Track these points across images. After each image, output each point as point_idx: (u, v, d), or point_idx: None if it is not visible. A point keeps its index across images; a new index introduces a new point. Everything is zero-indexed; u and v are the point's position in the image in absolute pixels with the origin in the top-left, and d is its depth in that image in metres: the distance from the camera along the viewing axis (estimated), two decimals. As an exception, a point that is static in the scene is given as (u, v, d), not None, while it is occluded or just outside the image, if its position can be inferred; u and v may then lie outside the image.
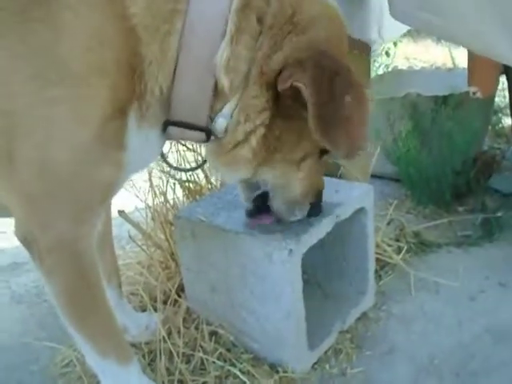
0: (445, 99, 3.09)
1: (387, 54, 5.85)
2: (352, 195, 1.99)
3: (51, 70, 1.27)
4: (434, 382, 1.83)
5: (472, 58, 3.09)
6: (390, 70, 5.44)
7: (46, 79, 1.27)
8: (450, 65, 4.95)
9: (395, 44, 5.90)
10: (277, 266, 1.74)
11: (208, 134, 1.49)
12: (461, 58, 4.39)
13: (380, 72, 5.43)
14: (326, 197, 1.89)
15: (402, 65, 6.25)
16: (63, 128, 1.32)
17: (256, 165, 1.57)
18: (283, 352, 1.88)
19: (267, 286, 1.80)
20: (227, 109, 1.46)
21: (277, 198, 1.72)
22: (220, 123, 1.47)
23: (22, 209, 1.43)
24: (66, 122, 1.31)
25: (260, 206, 1.76)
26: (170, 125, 1.47)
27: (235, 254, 1.85)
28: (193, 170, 2.16)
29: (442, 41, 6.81)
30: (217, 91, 1.43)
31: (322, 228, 1.82)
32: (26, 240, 1.46)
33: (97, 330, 1.58)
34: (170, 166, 1.83)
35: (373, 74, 5.20)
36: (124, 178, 1.52)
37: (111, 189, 1.50)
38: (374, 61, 5.80)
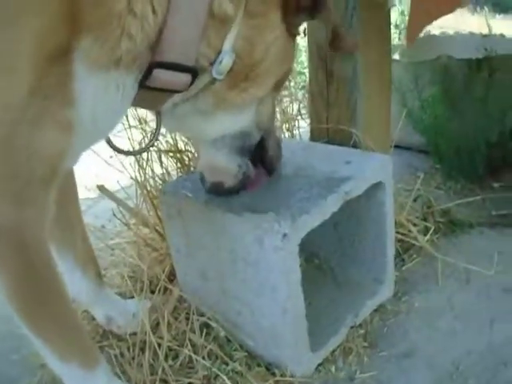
0: (479, 63, 2.82)
1: (420, 19, 5.60)
2: (366, 168, 1.70)
3: None
4: (458, 392, 1.56)
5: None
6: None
7: None
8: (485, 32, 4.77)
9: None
10: (269, 253, 1.48)
11: (194, 76, 1.26)
12: (497, 26, 4.17)
13: (411, 38, 5.21)
14: (334, 169, 1.66)
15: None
16: None
17: (259, 103, 1.44)
18: (281, 352, 1.64)
19: (260, 275, 1.55)
20: (228, 43, 1.26)
21: (271, 141, 1.59)
22: (226, 62, 1.28)
23: None
24: None
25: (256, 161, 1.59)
26: (158, 67, 1.20)
27: (224, 236, 1.61)
28: (141, 151, 1.87)
29: (479, 10, 6.61)
30: (212, 22, 1.22)
31: (327, 208, 1.54)
32: None
33: (55, 330, 1.35)
34: (114, 148, 1.52)
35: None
36: (77, 146, 1.23)
37: (58, 159, 1.20)
38: (405, 27, 5.60)
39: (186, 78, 1.26)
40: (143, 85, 1.24)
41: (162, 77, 1.22)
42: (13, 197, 1.16)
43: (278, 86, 1.51)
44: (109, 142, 1.48)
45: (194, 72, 1.26)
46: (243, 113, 1.44)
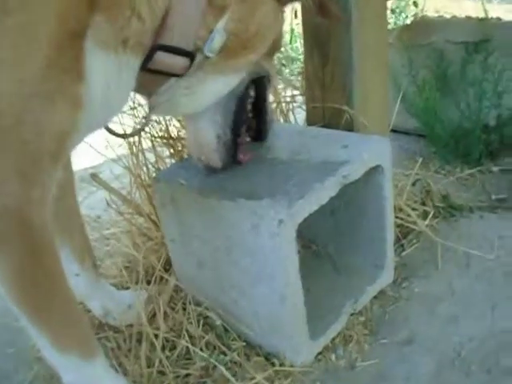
0: (476, 47, 2.78)
1: (415, 3, 5.65)
2: (364, 151, 1.65)
3: None
4: (459, 378, 1.53)
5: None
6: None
7: None
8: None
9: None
10: (265, 240, 1.45)
11: (192, 59, 1.34)
12: (494, 12, 4.16)
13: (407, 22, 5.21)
14: (331, 153, 1.61)
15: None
16: (5, 51, 1.07)
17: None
18: (279, 341, 1.61)
19: (257, 263, 1.52)
20: (220, 24, 1.34)
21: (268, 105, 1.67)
22: (217, 41, 1.35)
23: None
24: (7, 41, 1.07)
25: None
26: (159, 50, 1.27)
27: (219, 224, 1.58)
28: (135, 134, 1.83)
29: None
30: (211, 8, 1.31)
31: (324, 192, 1.50)
32: None
33: (54, 317, 1.31)
34: (110, 131, 1.55)
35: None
36: (85, 124, 1.23)
37: (67, 136, 1.20)
38: (401, 12, 5.57)
39: (184, 61, 1.33)
40: (144, 67, 1.29)
41: (163, 59, 1.29)
42: (20, 175, 1.15)
43: (274, 48, 1.57)
44: (105, 126, 1.49)
45: (192, 56, 1.32)
46: (236, 75, 1.49)
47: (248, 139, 1.66)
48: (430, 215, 2.21)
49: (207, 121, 1.55)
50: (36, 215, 1.19)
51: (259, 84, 1.60)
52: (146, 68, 1.30)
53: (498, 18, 3.21)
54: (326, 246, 2.00)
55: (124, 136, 1.66)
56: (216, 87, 1.48)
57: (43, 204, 1.21)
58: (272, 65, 1.64)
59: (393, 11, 5.64)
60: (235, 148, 1.60)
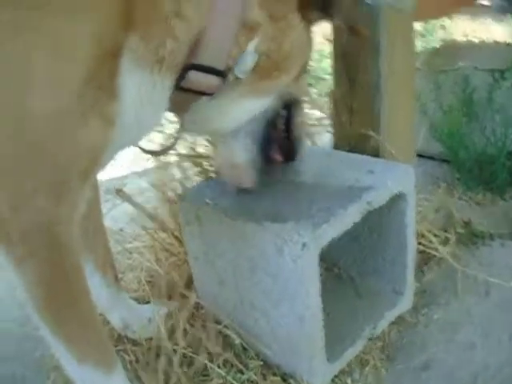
0: (503, 74, 2.78)
1: (443, 27, 5.64)
2: (389, 178, 1.67)
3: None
4: (475, 407, 1.53)
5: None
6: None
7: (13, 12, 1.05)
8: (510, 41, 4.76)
9: (451, 19, 5.66)
10: (288, 262, 1.46)
11: (224, 79, 1.36)
12: None
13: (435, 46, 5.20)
14: (357, 178, 1.64)
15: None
16: (41, 70, 1.08)
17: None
18: (297, 362, 1.61)
19: (279, 284, 1.53)
20: (252, 45, 1.36)
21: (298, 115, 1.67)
22: (249, 62, 1.37)
23: None
24: (46, 60, 1.08)
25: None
26: (192, 69, 1.29)
27: (243, 244, 1.59)
28: (165, 151, 1.85)
29: (504, 19, 6.58)
30: (243, 29, 1.33)
31: (348, 217, 1.52)
32: None
33: (75, 329, 1.32)
34: (139, 147, 1.57)
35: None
36: (116, 142, 1.25)
37: (99, 153, 1.22)
38: (429, 35, 5.60)
39: (216, 80, 1.34)
40: (177, 86, 1.31)
41: (196, 79, 1.30)
42: (50, 191, 1.16)
43: (303, 69, 1.58)
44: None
45: (224, 75, 1.34)
46: (267, 97, 1.51)
47: (279, 159, 1.66)
48: (452, 242, 2.21)
49: (239, 141, 1.57)
50: (64, 232, 1.20)
51: (289, 105, 1.61)
52: (178, 87, 1.32)
53: (526, 43, 3.21)
54: (348, 269, 2.00)
55: (154, 153, 1.68)
56: (248, 108, 1.49)
57: (71, 221, 1.22)
58: (301, 86, 1.65)
59: (421, 34, 5.63)
60: (267, 168, 1.61)
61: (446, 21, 5.66)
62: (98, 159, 1.23)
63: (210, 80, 1.35)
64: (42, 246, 1.19)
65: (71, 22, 1.09)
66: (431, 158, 3.03)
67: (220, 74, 1.35)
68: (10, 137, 1.10)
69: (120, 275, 1.98)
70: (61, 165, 1.16)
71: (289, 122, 1.64)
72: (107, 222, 1.89)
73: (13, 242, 1.18)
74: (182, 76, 1.30)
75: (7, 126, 1.10)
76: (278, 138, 1.63)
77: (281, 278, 1.51)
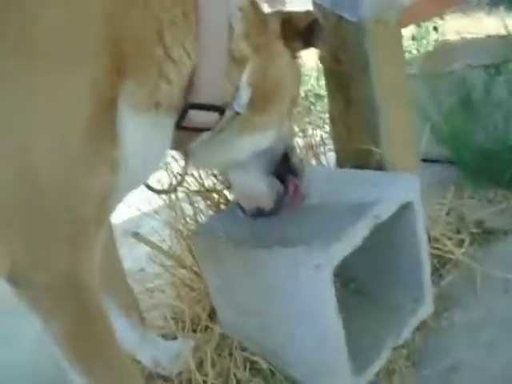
0: (498, 68, 2.79)
1: (435, 29, 5.72)
2: (393, 189, 1.70)
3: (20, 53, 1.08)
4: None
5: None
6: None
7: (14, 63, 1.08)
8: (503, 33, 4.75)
9: (442, 18, 5.72)
10: (303, 285, 1.49)
11: (222, 113, 1.40)
12: None
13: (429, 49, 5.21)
14: (362, 194, 1.67)
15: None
16: (45, 124, 1.11)
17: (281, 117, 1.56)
18: (323, 380, 1.64)
19: (297, 306, 1.56)
20: (244, 79, 1.40)
21: (294, 152, 1.70)
22: (244, 96, 1.41)
23: (5, 244, 1.18)
24: (47, 115, 1.11)
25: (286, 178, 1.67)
26: (192, 108, 1.33)
27: (258, 272, 1.62)
28: (174, 189, 1.89)
29: (495, 11, 6.56)
30: (233, 62, 1.37)
31: (357, 233, 1.54)
32: (12, 280, 1.20)
33: (105, 372, 1.34)
34: (148, 187, 1.61)
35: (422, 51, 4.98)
36: (123, 186, 1.28)
37: (108, 199, 1.25)
38: (422, 38, 5.59)
39: (215, 116, 1.38)
40: (179, 126, 1.35)
41: (196, 117, 1.34)
42: (67, 239, 1.18)
43: (294, 100, 1.63)
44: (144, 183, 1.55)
45: (222, 110, 1.38)
46: (269, 130, 1.55)
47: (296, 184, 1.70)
48: (466, 243, 2.22)
49: (252, 175, 1.62)
50: (85, 278, 1.22)
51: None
52: (180, 126, 1.36)
53: (519, 34, 3.21)
54: (364, 283, 2.03)
55: (164, 192, 1.72)
56: (250, 141, 1.54)
57: (91, 266, 1.24)
58: (292, 128, 1.71)
59: (414, 38, 5.64)
60: (285, 192, 1.66)
61: (437, 21, 5.65)
62: (108, 204, 1.26)
63: (210, 117, 1.39)
64: (66, 295, 1.21)
65: (69, 73, 1.12)
66: (437, 161, 3.04)
67: (218, 109, 1.39)
68: (21, 192, 1.12)
69: (144, 314, 2.00)
70: (73, 214, 1.18)
71: (287, 154, 1.68)
72: (127, 264, 1.92)
73: (37, 295, 1.20)
74: (182, 116, 1.34)
75: (17, 182, 1.12)
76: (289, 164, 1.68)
77: (298, 300, 1.53)
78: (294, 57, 1.58)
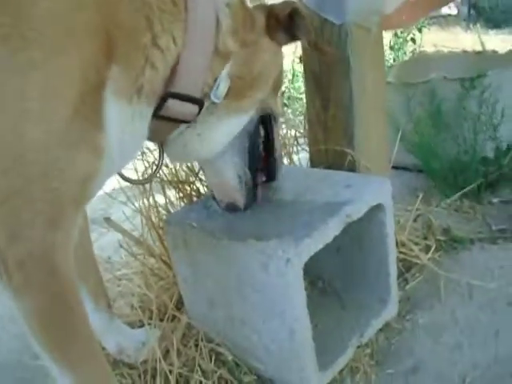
0: (472, 82, 2.83)
1: (413, 40, 5.77)
2: (366, 191, 1.73)
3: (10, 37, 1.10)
4: (465, 406, 1.57)
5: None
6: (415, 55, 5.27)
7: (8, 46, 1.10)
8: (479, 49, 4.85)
9: (420, 30, 5.83)
10: (274, 278, 1.51)
11: (201, 106, 1.42)
12: (491, 43, 4.21)
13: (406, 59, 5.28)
14: (335, 193, 1.69)
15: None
16: (34, 105, 1.12)
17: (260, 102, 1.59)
18: (289, 373, 1.65)
19: (267, 300, 1.58)
20: (225, 71, 1.43)
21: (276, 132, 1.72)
22: (222, 87, 1.44)
23: None
24: (36, 96, 1.12)
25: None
26: (170, 97, 1.35)
27: (229, 264, 1.64)
28: (148, 180, 1.90)
29: (472, 27, 6.66)
30: (217, 56, 1.40)
31: (329, 231, 1.57)
32: None
33: (75, 356, 1.33)
34: (123, 177, 1.62)
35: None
36: (103, 171, 1.29)
37: (90, 182, 1.26)
38: (400, 48, 5.66)
39: (194, 108, 1.40)
40: (156, 115, 1.36)
41: (174, 107, 1.36)
42: (45, 221, 1.19)
43: (276, 85, 1.66)
44: (118, 172, 1.55)
45: (201, 103, 1.40)
46: (245, 115, 1.56)
47: (264, 178, 1.72)
48: (432, 249, 2.26)
49: (225, 163, 1.62)
50: (60, 260, 1.23)
51: (266, 123, 1.66)
52: (157, 115, 1.37)
53: (494, 51, 3.27)
54: (332, 282, 2.05)
55: (138, 182, 1.73)
56: (227, 129, 1.55)
57: (67, 249, 1.25)
58: (276, 103, 1.70)
59: (391, 48, 5.70)
60: (255, 186, 1.67)
61: (415, 33, 5.72)
62: (89, 188, 1.27)
63: (188, 108, 1.41)
64: (40, 274, 1.21)
65: (57, 56, 1.13)
66: (408, 169, 3.09)
67: (197, 101, 1.41)
68: (5, 168, 1.13)
69: (111, 302, 2.01)
70: (54, 195, 1.19)
71: (268, 141, 1.69)
72: (95, 251, 1.92)
73: (10, 272, 1.20)
74: (160, 105, 1.35)
75: (2, 159, 1.13)
76: (259, 157, 1.68)
77: (268, 293, 1.55)
78: (279, 48, 1.62)
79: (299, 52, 2.19)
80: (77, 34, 1.16)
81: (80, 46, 1.16)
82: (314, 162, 2.17)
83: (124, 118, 1.28)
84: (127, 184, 1.76)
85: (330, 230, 1.57)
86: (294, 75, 4.88)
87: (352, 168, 2.02)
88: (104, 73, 1.19)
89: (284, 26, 1.57)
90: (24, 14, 1.10)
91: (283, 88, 4.82)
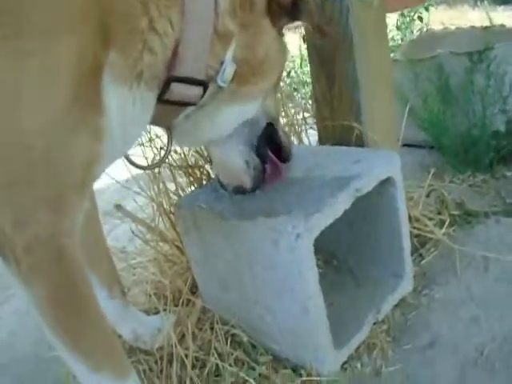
0: (480, 55, 2.80)
1: (420, 19, 5.72)
2: (375, 165, 1.71)
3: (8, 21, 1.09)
4: (483, 377, 1.56)
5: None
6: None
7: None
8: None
9: (427, 9, 5.78)
10: (285, 254, 1.50)
11: (205, 88, 1.41)
12: (498, 18, 4.17)
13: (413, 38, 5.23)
14: (344, 168, 1.68)
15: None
16: (32, 90, 1.12)
17: (265, 93, 1.58)
18: (305, 352, 1.65)
19: (278, 277, 1.57)
20: (229, 54, 1.41)
21: (280, 131, 1.71)
22: (228, 71, 1.42)
23: None
24: (34, 81, 1.11)
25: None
26: (174, 81, 1.33)
27: (240, 243, 1.63)
28: (157, 165, 1.91)
29: (479, 4, 6.60)
30: (217, 37, 1.37)
31: (339, 205, 1.55)
32: None
33: (87, 339, 1.33)
34: (132, 163, 1.60)
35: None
36: (105, 156, 1.28)
37: (92, 166, 1.26)
38: (407, 28, 5.62)
39: (198, 90, 1.39)
40: (161, 99, 1.35)
41: (178, 90, 1.35)
42: (50, 205, 1.19)
43: (278, 77, 1.65)
44: (127, 158, 1.56)
45: (205, 84, 1.39)
46: (252, 103, 1.55)
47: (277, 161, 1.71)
48: (447, 223, 2.24)
49: (232, 148, 1.62)
50: (66, 243, 1.23)
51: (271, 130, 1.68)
52: (162, 100, 1.36)
53: (502, 25, 3.24)
54: (346, 259, 2.04)
55: (146, 168, 1.73)
56: (233, 115, 1.54)
57: (73, 232, 1.25)
58: (275, 103, 1.70)
59: (398, 28, 5.67)
60: (264, 170, 1.66)
61: (423, 12, 5.68)
62: (92, 172, 1.27)
63: (193, 91, 1.39)
64: (47, 259, 1.21)
65: (55, 41, 1.13)
66: (419, 146, 3.07)
67: (201, 83, 1.40)
68: (7, 154, 1.13)
69: (126, 290, 2.01)
70: (57, 179, 1.19)
71: (273, 132, 1.69)
72: (109, 242, 1.93)
73: (18, 258, 1.20)
74: (164, 89, 1.34)
75: (3, 145, 1.13)
76: (270, 141, 1.68)
77: (279, 270, 1.55)
78: (281, 34, 1.59)
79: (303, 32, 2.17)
80: (72, 19, 1.14)
81: (75, 31, 1.15)
82: (322, 140, 2.15)
83: (125, 103, 1.27)
84: (139, 172, 1.76)
85: (340, 205, 1.56)
86: (302, 59, 4.85)
87: (360, 143, 2.00)
88: (101, 58, 1.18)
89: (286, 11, 1.54)
90: (18, 1, 1.10)
91: (292, 73, 4.83)
